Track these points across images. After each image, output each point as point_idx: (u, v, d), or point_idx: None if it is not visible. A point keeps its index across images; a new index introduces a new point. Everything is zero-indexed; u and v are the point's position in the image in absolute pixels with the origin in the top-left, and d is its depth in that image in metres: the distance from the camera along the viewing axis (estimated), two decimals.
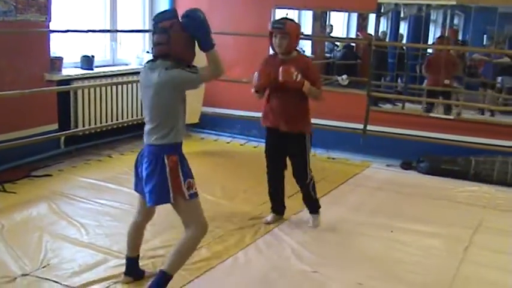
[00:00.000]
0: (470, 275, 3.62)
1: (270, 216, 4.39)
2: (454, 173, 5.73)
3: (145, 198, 3.05)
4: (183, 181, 3.00)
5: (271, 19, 7.06)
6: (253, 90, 4.15)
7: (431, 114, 6.57)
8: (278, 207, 4.42)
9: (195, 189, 3.08)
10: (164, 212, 3.40)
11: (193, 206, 3.09)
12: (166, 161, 2.95)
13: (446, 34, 8.71)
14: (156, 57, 3.00)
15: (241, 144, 6.97)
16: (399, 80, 8.29)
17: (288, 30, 4.00)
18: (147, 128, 3.02)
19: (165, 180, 2.94)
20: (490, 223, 4.54)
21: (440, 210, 4.86)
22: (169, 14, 3.14)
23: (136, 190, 3.19)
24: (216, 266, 3.56)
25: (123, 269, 3.41)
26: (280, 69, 3.94)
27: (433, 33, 9.58)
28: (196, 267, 3.51)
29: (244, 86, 6.95)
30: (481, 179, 5.61)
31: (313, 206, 4.39)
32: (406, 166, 6.14)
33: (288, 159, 4.29)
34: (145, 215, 3.27)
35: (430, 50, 8.22)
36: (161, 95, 2.93)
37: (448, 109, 6.93)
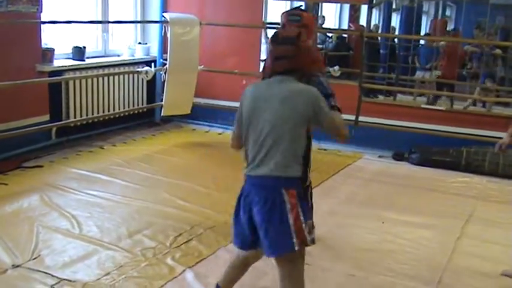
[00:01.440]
0: (462, 265, 3.65)
1: None
2: (446, 164, 5.75)
3: (260, 247, 2.48)
4: (304, 223, 2.40)
5: (263, 10, 7.06)
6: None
7: (423, 106, 6.60)
8: None
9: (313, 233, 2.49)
10: None
11: (302, 259, 2.55)
12: (285, 197, 2.38)
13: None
14: (273, 74, 2.50)
15: None
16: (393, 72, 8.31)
17: (306, 22, 3.60)
18: (260, 156, 2.43)
19: (285, 223, 2.37)
20: (481, 214, 4.56)
21: (432, 201, 4.88)
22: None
23: (242, 247, 2.63)
24: (207, 258, 3.56)
25: (114, 260, 3.41)
26: None
27: (425, 24, 9.60)
28: (188, 259, 3.51)
29: (237, 77, 6.96)
30: (473, 170, 5.64)
31: None
32: (398, 157, 6.15)
33: None
34: (255, 256, 2.75)
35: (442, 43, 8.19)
36: (290, 113, 2.40)
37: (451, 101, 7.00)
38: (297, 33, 2.50)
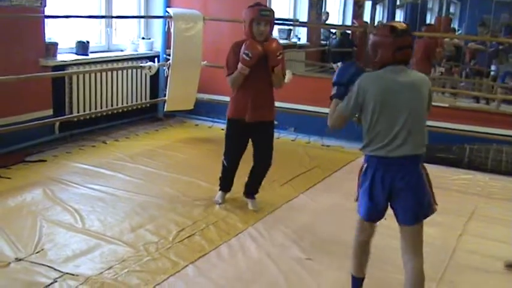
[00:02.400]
0: (464, 262, 3.65)
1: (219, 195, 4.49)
2: (449, 161, 5.75)
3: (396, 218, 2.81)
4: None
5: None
6: (243, 70, 4.00)
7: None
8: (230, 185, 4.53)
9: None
10: None
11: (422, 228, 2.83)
12: (422, 170, 2.74)
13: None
14: (392, 64, 2.73)
15: None
16: None
17: (272, 18, 4.09)
18: (400, 138, 2.67)
19: (427, 192, 2.75)
20: (483, 211, 4.56)
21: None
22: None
23: (371, 220, 2.90)
24: (209, 253, 3.57)
25: (117, 254, 3.43)
26: (268, 42, 4.03)
27: (430, 21, 9.59)
28: (190, 254, 3.51)
29: None
30: (475, 167, 5.63)
31: (257, 190, 4.46)
32: None
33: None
34: (371, 234, 3.01)
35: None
36: (420, 97, 2.73)
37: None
38: (408, 26, 2.77)
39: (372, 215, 2.85)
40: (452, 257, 3.72)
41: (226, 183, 4.48)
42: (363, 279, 3.06)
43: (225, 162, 4.39)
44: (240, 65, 3.99)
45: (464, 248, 3.88)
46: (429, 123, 6.07)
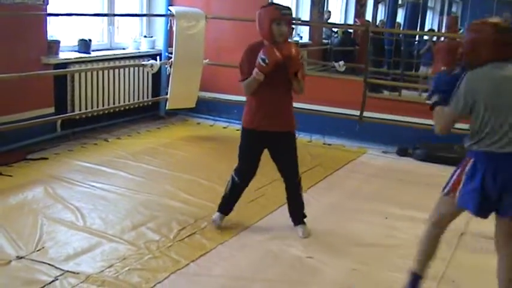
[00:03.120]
0: (464, 262, 3.65)
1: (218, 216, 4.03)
2: (450, 160, 5.71)
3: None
4: None
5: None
6: (258, 76, 3.60)
7: (428, 101, 6.56)
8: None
9: None
10: None
11: None
12: None
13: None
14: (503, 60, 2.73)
15: (238, 130, 6.92)
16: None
17: (291, 18, 3.86)
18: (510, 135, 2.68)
19: None
20: None
21: (436, 197, 4.84)
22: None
23: (482, 213, 2.84)
24: (210, 251, 3.57)
25: (118, 252, 3.43)
26: (287, 46, 3.64)
27: (431, 20, 9.58)
28: (191, 253, 3.52)
29: None
30: None
31: (301, 214, 4.01)
32: (402, 153, 6.15)
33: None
34: (445, 227, 3.08)
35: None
36: None
37: None
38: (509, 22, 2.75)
39: (483, 208, 2.80)
40: (454, 255, 3.72)
41: (228, 205, 3.99)
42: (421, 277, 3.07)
43: (236, 177, 3.90)
44: (255, 70, 3.60)
45: (466, 246, 3.88)
46: (430, 122, 6.01)
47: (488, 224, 4.23)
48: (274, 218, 4.19)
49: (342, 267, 3.47)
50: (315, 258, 3.55)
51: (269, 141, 3.82)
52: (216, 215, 3.99)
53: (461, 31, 9.09)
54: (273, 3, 3.95)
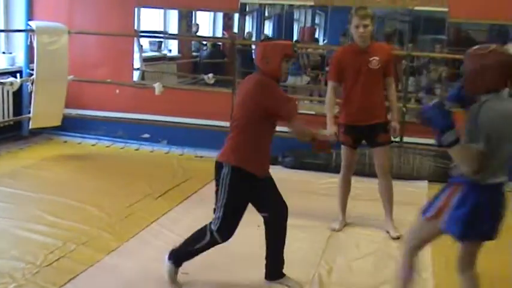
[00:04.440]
0: (334, 262, 3.80)
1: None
2: (317, 166, 5.98)
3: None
4: None
5: (135, 18, 6.96)
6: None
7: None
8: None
9: None
10: None
11: None
12: None
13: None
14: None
15: (107, 146, 6.79)
16: None
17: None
18: (505, 166, 2.68)
19: None
20: (349, 212, 4.75)
21: (304, 202, 5.02)
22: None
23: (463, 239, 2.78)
24: (80, 274, 3.44)
25: None
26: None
27: (297, 31, 9.94)
28: (59, 278, 3.37)
29: (109, 87, 6.82)
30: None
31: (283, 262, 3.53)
32: (272, 161, 6.28)
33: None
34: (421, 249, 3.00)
35: None
36: None
37: None
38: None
39: (467, 234, 2.76)
40: (323, 257, 3.86)
41: (189, 259, 3.40)
42: None
43: (218, 238, 3.26)
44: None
45: (334, 248, 4.05)
46: None
47: (354, 226, 4.46)
48: (148, 236, 4.13)
49: (217, 281, 3.49)
50: (190, 273, 3.52)
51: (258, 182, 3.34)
52: (170, 267, 3.36)
53: (325, 41, 9.53)
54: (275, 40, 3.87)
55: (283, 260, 3.47)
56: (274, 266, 3.46)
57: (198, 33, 8.80)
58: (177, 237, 4.09)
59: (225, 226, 3.23)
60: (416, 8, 6.84)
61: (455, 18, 6.33)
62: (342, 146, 4.37)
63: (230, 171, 3.20)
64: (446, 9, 6.26)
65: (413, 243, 2.94)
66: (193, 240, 3.33)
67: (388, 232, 4.30)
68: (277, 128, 6.26)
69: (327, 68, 7.32)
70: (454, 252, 2.86)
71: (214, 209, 3.28)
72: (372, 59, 4.05)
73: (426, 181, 5.73)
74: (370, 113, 4.17)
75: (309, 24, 10.15)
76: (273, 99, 3.18)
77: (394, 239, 4.21)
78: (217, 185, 3.28)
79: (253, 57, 8.76)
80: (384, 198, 4.39)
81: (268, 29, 9.66)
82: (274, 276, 3.46)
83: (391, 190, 4.36)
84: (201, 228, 3.32)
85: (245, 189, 3.26)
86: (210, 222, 3.27)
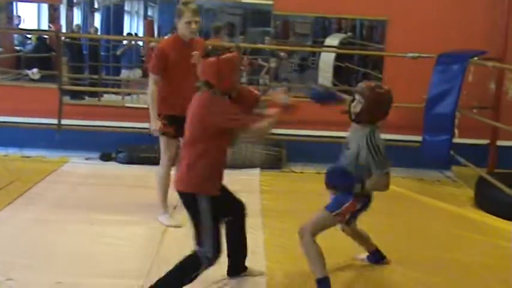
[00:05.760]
0: (169, 255, 3.78)
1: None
2: (152, 160, 5.92)
3: None
4: None
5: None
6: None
7: (127, 104, 6.69)
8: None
9: None
10: None
11: None
12: None
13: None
14: None
15: None
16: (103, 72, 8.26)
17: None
18: None
19: None
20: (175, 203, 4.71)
21: (138, 197, 4.96)
22: None
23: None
24: None
25: None
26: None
27: (129, 23, 9.76)
28: None
29: None
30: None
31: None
32: (106, 158, 6.16)
33: None
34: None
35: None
36: None
37: None
38: None
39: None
40: (158, 251, 3.86)
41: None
42: None
43: (214, 259, 3.11)
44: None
45: (169, 241, 4.06)
46: (132, 124, 6.11)
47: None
48: None
49: (46, 282, 3.33)
50: (16, 279, 3.34)
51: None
52: None
53: (163, 36, 9.47)
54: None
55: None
56: (241, 261, 3.51)
57: (20, 26, 8.30)
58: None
59: (218, 247, 3.12)
60: (245, 1, 7.08)
61: (280, 11, 6.62)
62: (164, 138, 4.35)
63: (210, 202, 3.07)
64: (271, 2, 6.52)
65: (315, 231, 3.31)
66: (181, 276, 3.12)
67: None
68: (110, 124, 6.22)
69: None
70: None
71: (199, 242, 3.10)
72: (194, 53, 4.11)
73: (258, 168, 5.96)
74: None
75: (142, 16, 10.03)
76: (221, 115, 3.02)
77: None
78: (194, 218, 3.11)
79: (83, 51, 8.47)
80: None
81: (98, 21, 9.39)
82: (240, 270, 3.52)
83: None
84: (185, 261, 3.13)
85: (220, 208, 3.16)
86: (199, 252, 3.08)
